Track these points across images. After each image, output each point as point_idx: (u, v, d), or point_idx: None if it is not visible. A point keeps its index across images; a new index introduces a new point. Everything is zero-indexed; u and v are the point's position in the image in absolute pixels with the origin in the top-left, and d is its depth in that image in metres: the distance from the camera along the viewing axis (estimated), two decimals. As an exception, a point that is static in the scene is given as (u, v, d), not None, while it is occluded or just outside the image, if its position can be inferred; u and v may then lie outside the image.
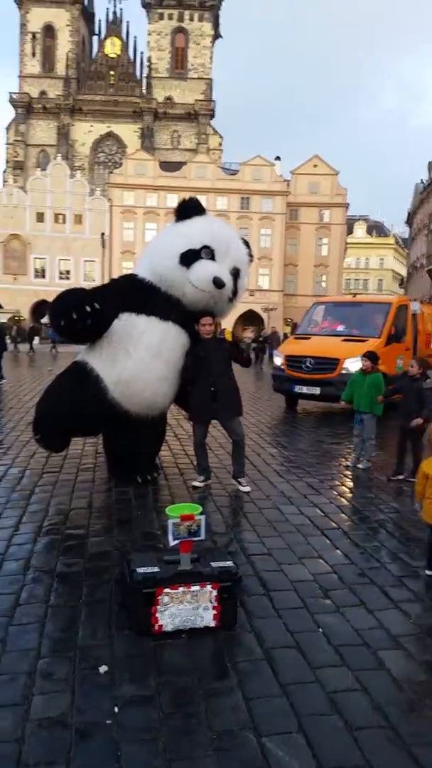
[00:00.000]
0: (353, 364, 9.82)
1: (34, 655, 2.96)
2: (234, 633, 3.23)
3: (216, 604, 3.24)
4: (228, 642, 3.15)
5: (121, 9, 75.09)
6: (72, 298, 5.28)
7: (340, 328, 12.06)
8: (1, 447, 7.53)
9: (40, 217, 53.47)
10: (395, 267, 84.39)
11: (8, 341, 21.12)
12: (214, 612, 3.24)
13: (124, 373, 5.42)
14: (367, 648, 3.14)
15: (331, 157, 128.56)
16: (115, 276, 8.29)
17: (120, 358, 5.42)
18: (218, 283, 5.39)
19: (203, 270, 5.40)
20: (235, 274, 5.70)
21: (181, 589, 3.19)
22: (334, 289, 54.19)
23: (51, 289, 42.35)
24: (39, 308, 46.99)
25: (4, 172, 70.78)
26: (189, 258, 5.42)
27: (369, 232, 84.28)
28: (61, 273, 53.73)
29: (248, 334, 7.02)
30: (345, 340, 11.22)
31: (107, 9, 75.03)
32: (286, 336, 32.57)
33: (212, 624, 3.23)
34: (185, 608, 3.20)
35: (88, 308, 5.09)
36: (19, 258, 53.42)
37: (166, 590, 3.17)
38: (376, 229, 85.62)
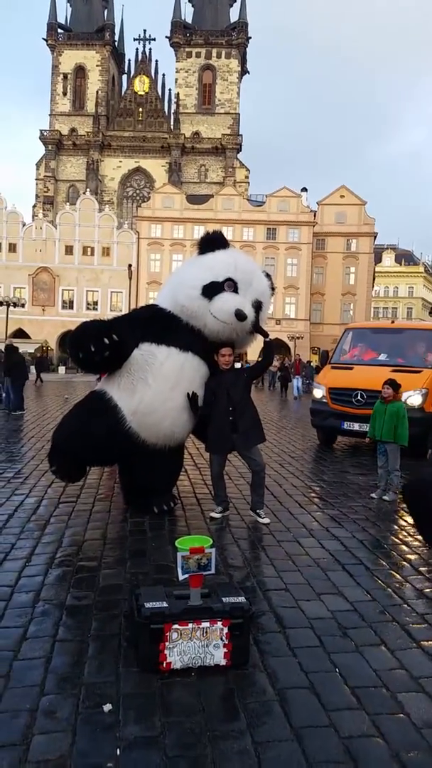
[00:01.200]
0: (414, 398, 9.08)
1: (37, 692, 2.87)
2: (245, 672, 3.10)
3: (227, 642, 3.12)
4: (239, 681, 3.02)
5: (150, 49, 77.24)
6: (90, 330, 5.30)
7: (383, 356, 10.73)
8: (20, 476, 7.52)
9: (69, 249, 54.62)
10: (425, 295, 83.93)
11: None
12: (225, 650, 3.11)
13: (143, 403, 5.39)
14: (386, 690, 2.98)
15: (359, 186, 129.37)
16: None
17: (139, 388, 5.40)
18: (240, 315, 5.39)
19: (225, 302, 5.42)
20: (257, 306, 5.70)
21: (190, 625, 3.08)
22: (362, 318, 53.99)
23: (78, 319, 42.48)
24: (66, 338, 47.68)
25: (34, 206, 72.63)
26: (211, 290, 5.45)
27: (398, 260, 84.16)
28: (88, 304, 54.62)
29: (274, 363, 6.98)
30: (395, 371, 9.24)
31: (136, 49, 77.32)
32: (310, 363, 32.27)
33: (223, 662, 3.11)
34: (195, 645, 3.09)
35: (106, 340, 5.12)
36: (47, 290, 54.48)
37: (175, 626, 3.06)
38: (405, 257, 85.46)
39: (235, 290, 5.52)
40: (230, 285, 5.49)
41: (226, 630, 3.11)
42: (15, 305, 39.48)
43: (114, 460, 6.06)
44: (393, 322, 14.95)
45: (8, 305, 38.16)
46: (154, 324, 5.67)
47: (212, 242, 5.81)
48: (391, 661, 3.27)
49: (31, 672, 3.03)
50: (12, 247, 55.10)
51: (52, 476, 6.41)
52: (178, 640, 3.07)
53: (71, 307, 54.40)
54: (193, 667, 3.08)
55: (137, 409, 5.40)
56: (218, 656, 3.11)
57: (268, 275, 6.06)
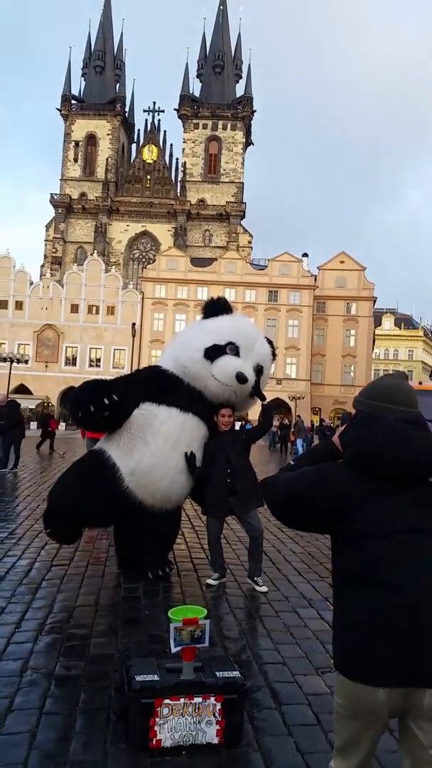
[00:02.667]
0: None
1: (20, 771, 2.73)
2: (239, 751, 2.97)
3: (220, 719, 2.99)
4: (231, 761, 2.89)
5: (158, 120, 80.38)
6: (90, 390, 5.35)
7: None
8: (13, 536, 7.38)
9: (75, 308, 55.56)
10: (425, 359, 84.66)
11: None
12: (218, 727, 2.99)
13: (142, 463, 5.36)
14: (385, 775, 2.84)
15: (359, 252, 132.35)
16: (144, 363, 8.44)
17: (138, 448, 5.38)
18: (241, 378, 5.42)
19: (227, 365, 5.46)
20: (258, 370, 5.74)
21: (182, 700, 2.96)
22: (363, 380, 54.27)
23: (80, 376, 43.45)
24: (67, 395, 47.81)
25: (43, 266, 74.21)
26: (214, 352, 5.50)
27: (397, 324, 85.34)
28: (91, 361, 55.11)
29: (273, 423, 6.97)
30: None
31: (146, 120, 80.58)
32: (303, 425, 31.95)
33: (215, 740, 2.97)
34: (186, 722, 2.96)
35: (106, 401, 5.15)
36: (51, 346, 55.11)
37: (166, 701, 2.94)
38: (405, 321, 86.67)
39: (237, 354, 5.58)
40: (232, 348, 5.55)
41: (219, 706, 3.00)
42: (18, 361, 39.85)
43: (110, 521, 5.97)
44: (421, 383, 14.55)
45: (11, 361, 38.51)
46: (156, 384, 5.70)
47: (216, 308, 5.89)
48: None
49: (15, 749, 2.90)
50: (19, 305, 56.04)
51: (46, 537, 6.30)
52: (170, 715, 2.95)
53: (74, 364, 54.86)
54: (185, 746, 2.94)
55: (136, 469, 5.36)
56: (211, 734, 2.98)
57: (270, 341, 6.13)
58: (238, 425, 6.26)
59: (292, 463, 2.23)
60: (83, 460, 5.86)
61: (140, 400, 5.48)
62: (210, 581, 5.74)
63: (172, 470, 5.44)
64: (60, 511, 5.52)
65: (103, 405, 5.14)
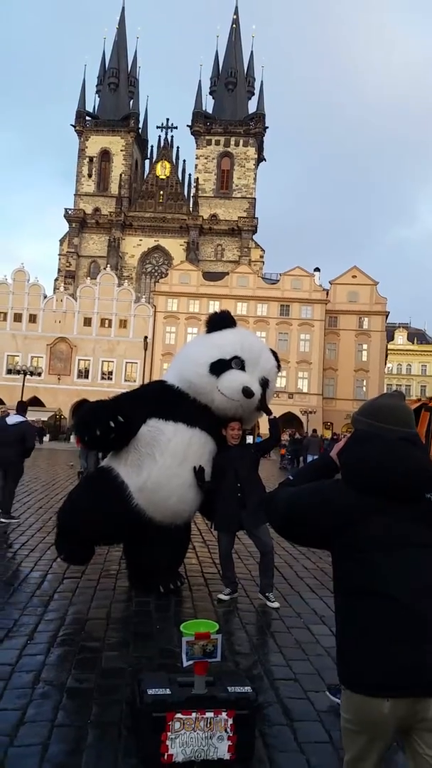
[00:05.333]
0: None
1: (32, 784, 2.74)
2: (250, 768, 2.96)
3: (232, 734, 2.99)
4: (243, 779, 2.87)
5: (171, 136, 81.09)
6: (95, 414, 5.42)
7: None
8: (26, 548, 7.43)
9: (87, 321, 55.85)
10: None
11: None
12: (230, 743, 2.98)
13: (150, 480, 5.36)
14: (398, 794, 2.82)
15: (371, 266, 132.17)
16: (156, 376, 8.46)
17: (146, 465, 5.38)
18: (247, 392, 5.42)
19: (233, 380, 5.45)
20: (264, 384, 5.73)
21: (193, 714, 2.96)
22: (375, 394, 53.76)
23: (93, 389, 43.74)
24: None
25: (56, 280, 74.83)
26: (219, 367, 5.49)
27: (410, 339, 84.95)
28: (103, 373, 55.31)
29: (284, 437, 6.97)
30: None
31: (159, 136, 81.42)
32: (320, 439, 31.81)
33: (227, 756, 2.97)
34: (198, 736, 2.96)
35: (112, 423, 5.17)
36: (64, 359, 55.38)
37: (178, 715, 2.95)
38: (418, 336, 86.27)
39: (242, 368, 5.56)
40: (238, 363, 5.54)
41: (231, 721, 2.99)
42: (32, 374, 40.10)
43: (121, 538, 5.96)
44: None
45: (25, 374, 38.79)
46: (162, 400, 5.70)
47: (220, 322, 5.88)
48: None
49: (27, 760, 2.91)
50: (32, 318, 56.41)
51: (58, 550, 6.33)
52: (181, 730, 2.95)
53: (86, 377, 55.07)
54: (196, 761, 2.94)
55: (144, 486, 5.36)
56: (222, 749, 2.97)
57: (274, 354, 6.11)
58: (249, 439, 6.25)
59: (290, 478, 2.28)
60: (91, 479, 5.88)
61: (147, 417, 5.49)
62: (222, 596, 5.73)
63: (181, 487, 5.43)
64: (70, 532, 5.54)
65: (109, 428, 5.18)
